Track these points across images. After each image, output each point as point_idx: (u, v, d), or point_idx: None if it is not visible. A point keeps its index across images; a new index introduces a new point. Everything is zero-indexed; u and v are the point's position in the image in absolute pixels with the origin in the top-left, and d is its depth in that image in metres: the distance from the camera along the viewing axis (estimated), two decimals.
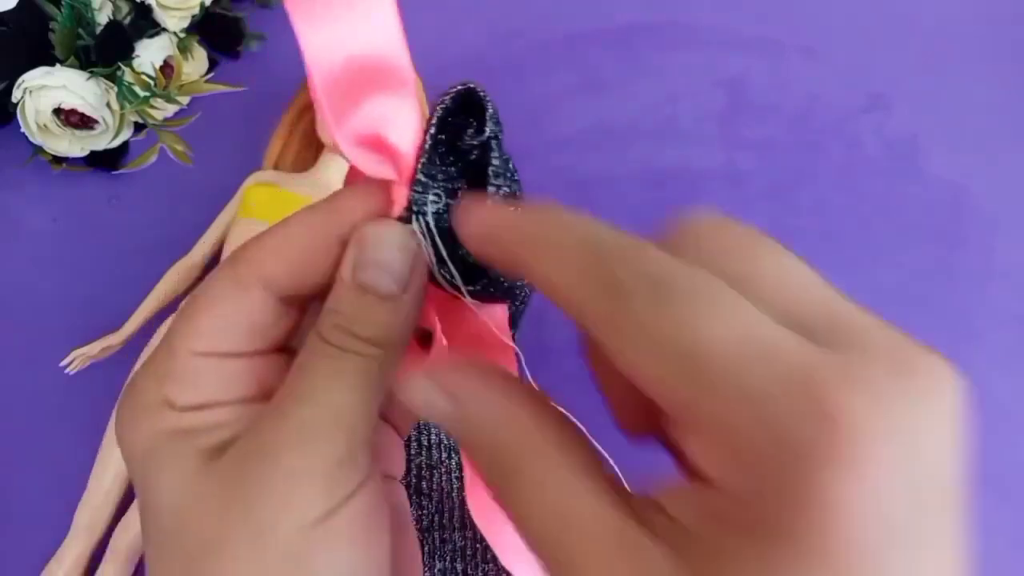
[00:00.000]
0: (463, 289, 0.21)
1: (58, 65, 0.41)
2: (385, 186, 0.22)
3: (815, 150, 0.44)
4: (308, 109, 0.44)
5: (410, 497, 0.36)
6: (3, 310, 0.42)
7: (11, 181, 0.44)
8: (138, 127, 0.44)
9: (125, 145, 0.44)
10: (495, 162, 0.21)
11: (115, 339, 0.40)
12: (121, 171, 0.44)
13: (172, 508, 0.19)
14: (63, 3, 0.41)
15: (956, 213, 0.42)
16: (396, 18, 0.20)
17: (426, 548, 0.35)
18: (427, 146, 0.21)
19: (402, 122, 0.21)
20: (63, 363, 0.40)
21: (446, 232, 0.21)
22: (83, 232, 0.43)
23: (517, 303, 0.24)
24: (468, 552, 0.34)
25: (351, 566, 0.19)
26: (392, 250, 0.21)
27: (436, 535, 0.35)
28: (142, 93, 0.42)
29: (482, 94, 0.21)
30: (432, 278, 0.22)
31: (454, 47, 0.47)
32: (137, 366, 0.35)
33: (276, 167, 0.42)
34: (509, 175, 0.22)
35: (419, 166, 0.21)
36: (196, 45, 0.45)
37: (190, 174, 0.44)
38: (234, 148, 0.43)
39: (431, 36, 0.47)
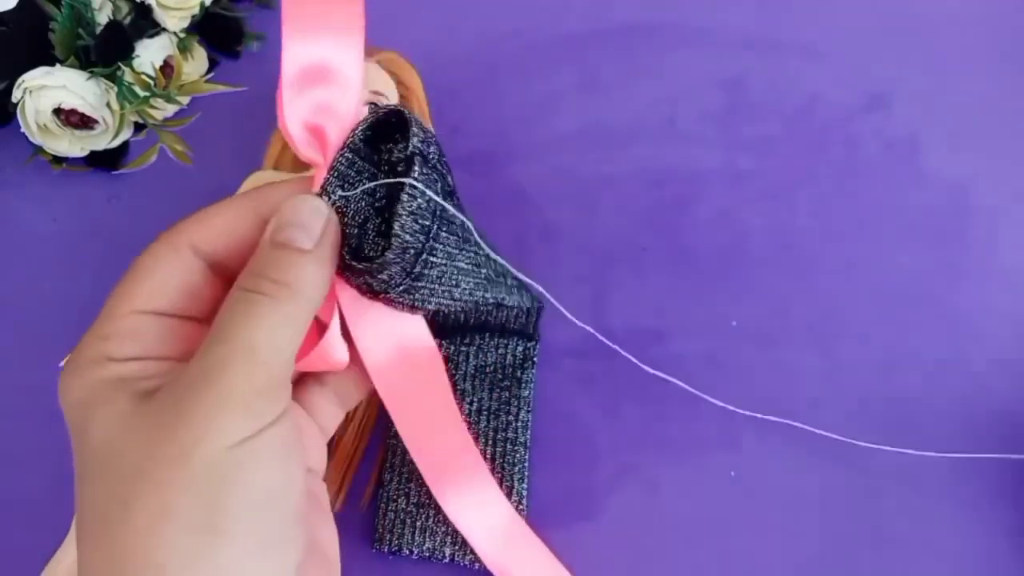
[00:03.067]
0: (353, 265, 0.25)
1: (58, 65, 0.41)
2: (308, 184, 0.25)
3: (815, 150, 0.44)
4: None
5: (412, 476, 0.36)
6: (3, 310, 0.42)
7: (11, 181, 0.44)
8: (138, 127, 0.44)
9: (125, 145, 0.44)
10: (415, 175, 0.24)
11: None
12: (121, 171, 0.44)
13: (105, 441, 0.21)
14: (63, 3, 0.41)
15: (956, 213, 0.42)
16: (361, 36, 0.25)
17: (418, 524, 0.35)
18: (350, 142, 0.25)
19: (341, 119, 0.25)
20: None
21: (353, 219, 0.25)
22: (83, 232, 0.43)
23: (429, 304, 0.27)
24: (461, 538, 0.34)
25: (269, 484, 0.21)
26: (307, 212, 0.24)
27: (431, 512, 0.35)
28: (142, 93, 0.42)
29: (408, 116, 0.25)
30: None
31: (454, 47, 0.47)
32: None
33: (276, 167, 0.42)
34: (435, 189, 0.25)
35: (340, 157, 0.25)
36: (196, 45, 0.45)
37: (190, 174, 0.44)
38: (234, 148, 0.43)
39: (431, 36, 0.47)
